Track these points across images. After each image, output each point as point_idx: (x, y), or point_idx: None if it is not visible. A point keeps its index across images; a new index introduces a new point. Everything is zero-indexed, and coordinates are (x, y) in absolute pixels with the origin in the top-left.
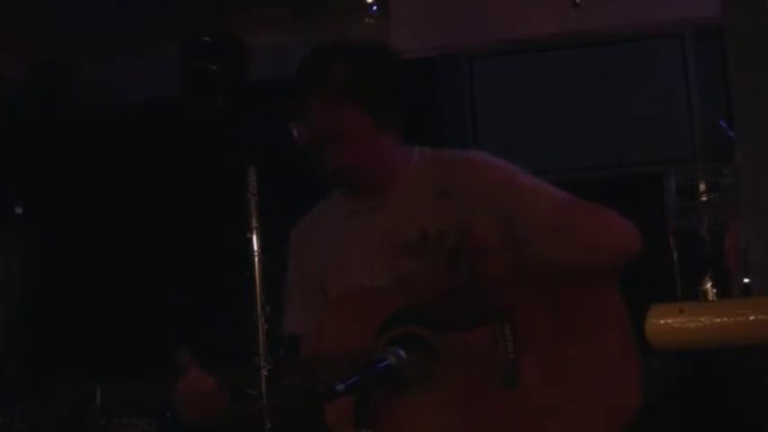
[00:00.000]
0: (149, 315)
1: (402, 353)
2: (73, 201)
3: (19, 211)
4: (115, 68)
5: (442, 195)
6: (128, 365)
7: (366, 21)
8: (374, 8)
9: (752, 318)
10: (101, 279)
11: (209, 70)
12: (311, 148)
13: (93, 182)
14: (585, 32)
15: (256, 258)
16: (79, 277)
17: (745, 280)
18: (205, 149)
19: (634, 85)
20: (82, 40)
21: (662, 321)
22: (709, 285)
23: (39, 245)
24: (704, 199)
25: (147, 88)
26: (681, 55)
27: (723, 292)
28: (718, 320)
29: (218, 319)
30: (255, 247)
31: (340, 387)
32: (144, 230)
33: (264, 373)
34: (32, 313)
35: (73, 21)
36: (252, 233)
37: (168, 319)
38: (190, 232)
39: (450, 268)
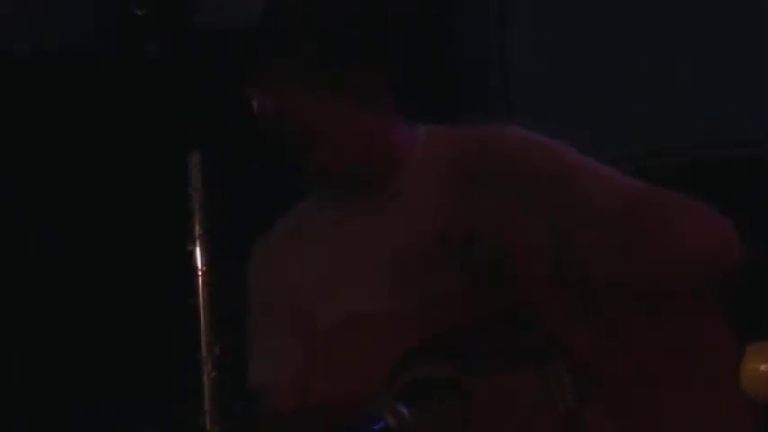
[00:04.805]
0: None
1: (405, 411)
2: None
3: None
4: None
5: (466, 187)
6: None
7: None
8: None
9: None
10: None
11: (135, 15)
12: (283, 140)
13: None
14: None
15: (200, 279)
16: None
17: None
18: (132, 128)
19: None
20: None
21: (764, 367)
22: None
23: None
24: None
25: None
26: None
27: None
28: None
29: (148, 365)
30: (200, 262)
31: None
32: (42, 240)
33: None
34: None
35: None
36: (195, 244)
37: (79, 359)
38: (112, 242)
39: (486, 285)
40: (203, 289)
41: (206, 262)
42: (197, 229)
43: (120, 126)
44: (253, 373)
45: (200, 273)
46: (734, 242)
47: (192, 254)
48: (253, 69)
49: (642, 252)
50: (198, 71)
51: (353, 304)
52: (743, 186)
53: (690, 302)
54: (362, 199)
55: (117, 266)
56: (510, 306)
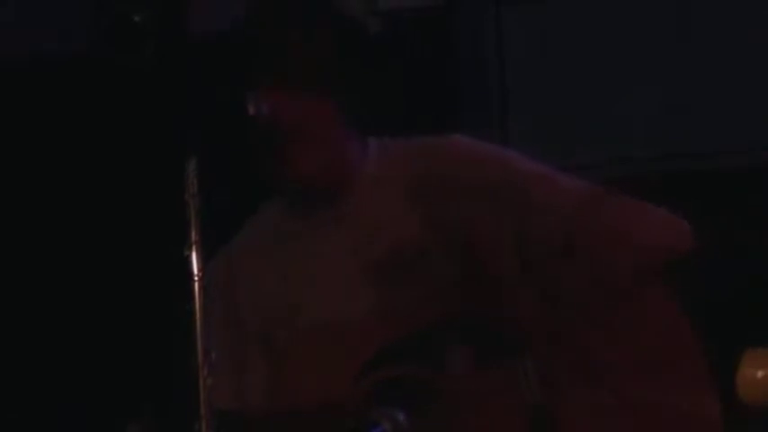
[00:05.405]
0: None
1: (402, 417)
2: None
3: None
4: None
5: (420, 197)
6: None
7: None
8: None
9: None
10: None
11: (133, 21)
12: (262, 143)
13: None
14: None
15: (197, 284)
16: None
17: None
18: (129, 134)
19: (750, 28)
20: None
21: (760, 373)
22: None
23: None
24: None
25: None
26: None
27: None
28: None
29: (143, 370)
30: (196, 268)
31: None
32: (39, 243)
33: None
34: None
35: None
36: (192, 250)
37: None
38: (108, 247)
39: (447, 290)
40: (199, 294)
41: (202, 267)
42: (193, 235)
43: (117, 131)
44: (219, 392)
45: (196, 278)
46: (680, 234)
47: (189, 259)
48: (250, 71)
49: (593, 248)
50: (195, 76)
51: (316, 314)
52: (743, 194)
53: (643, 289)
54: (322, 211)
55: (113, 272)
56: (474, 305)
